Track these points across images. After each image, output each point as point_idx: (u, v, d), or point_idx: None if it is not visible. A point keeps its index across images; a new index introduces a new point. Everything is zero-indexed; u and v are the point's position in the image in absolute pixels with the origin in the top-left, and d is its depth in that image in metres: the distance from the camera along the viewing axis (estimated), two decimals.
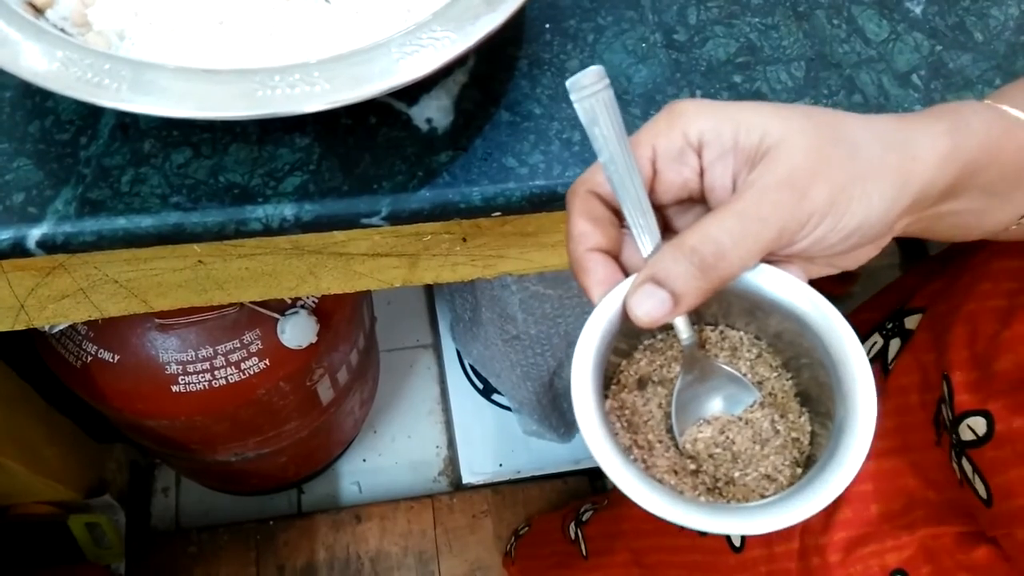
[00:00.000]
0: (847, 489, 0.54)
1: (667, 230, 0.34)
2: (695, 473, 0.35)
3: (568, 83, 0.31)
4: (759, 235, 0.30)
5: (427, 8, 0.39)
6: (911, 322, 0.56)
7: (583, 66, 0.46)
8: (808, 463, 0.35)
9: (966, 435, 0.45)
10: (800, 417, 0.36)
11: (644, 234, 0.32)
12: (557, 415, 1.15)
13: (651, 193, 0.33)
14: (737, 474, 0.34)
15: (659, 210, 0.33)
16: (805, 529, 0.54)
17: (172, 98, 0.33)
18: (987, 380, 0.45)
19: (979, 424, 0.44)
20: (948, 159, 0.32)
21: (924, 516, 0.48)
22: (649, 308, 0.31)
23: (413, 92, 0.43)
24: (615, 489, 0.85)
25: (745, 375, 0.36)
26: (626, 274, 0.33)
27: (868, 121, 0.33)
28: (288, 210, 0.40)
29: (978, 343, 0.47)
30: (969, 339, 0.48)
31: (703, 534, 0.61)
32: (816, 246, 0.31)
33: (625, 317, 0.32)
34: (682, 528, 0.65)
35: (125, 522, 1.12)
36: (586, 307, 0.93)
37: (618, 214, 0.34)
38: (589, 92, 0.31)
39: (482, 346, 1.09)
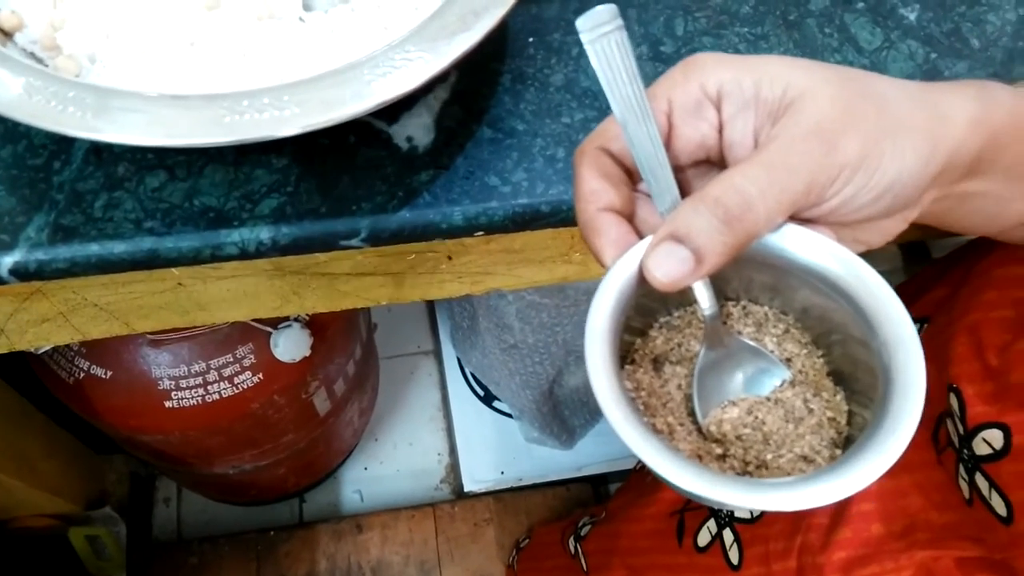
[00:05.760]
0: (849, 508, 0.53)
1: (683, 196, 0.31)
2: (722, 458, 0.32)
3: (578, 22, 0.28)
4: (787, 186, 0.28)
5: (404, 26, 0.38)
6: None
7: (567, 81, 0.45)
8: (847, 445, 0.32)
9: (981, 449, 0.43)
10: (835, 396, 0.33)
11: (662, 191, 0.30)
12: (558, 422, 1.14)
13: (667, 151, 0.30)
14: (770, 456, 0.31)
15: (675, 173, 0.31)
16: (803, 547, 0.53)
17: (138, 126, 0.32)
18: (1003, 392, 0.44)
19: (996, 437, 0.43)
20: (976, 124, 0.30)
21: (925, 538, 0.47)
22: (669, 268, 0.28)
23: (393, 110, 0.42)
24: (612, 503, 0.84)
25: (772, 352, 0.33)
26: (640, 237, 0.30)
27: (894, 80, 0.31)
28: (264, 233, 0.40)
29: (988, 354, 0.45)
30: (976, 350, 0.46)
31: (710, 543, 0.60)
32: (846, 207, 0.29)
33: (641, 283, 0.29)
34: (680, 545, 0.64)
35: (126, 534, 1.12)
36: (583, 316, 0.92)
37: (630, 174, 0.31)
38: (602, 32, 0.28)
39: (481, 354, 1.08)
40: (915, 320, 0.55)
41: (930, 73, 0.46)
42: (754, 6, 0.47)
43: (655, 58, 0.46)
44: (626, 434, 0.27)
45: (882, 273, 0.31)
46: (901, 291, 0.69)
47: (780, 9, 0.47)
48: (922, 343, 0.54)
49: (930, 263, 0.68)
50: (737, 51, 0.46)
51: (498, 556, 1.20)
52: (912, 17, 0.47)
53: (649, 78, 0.45)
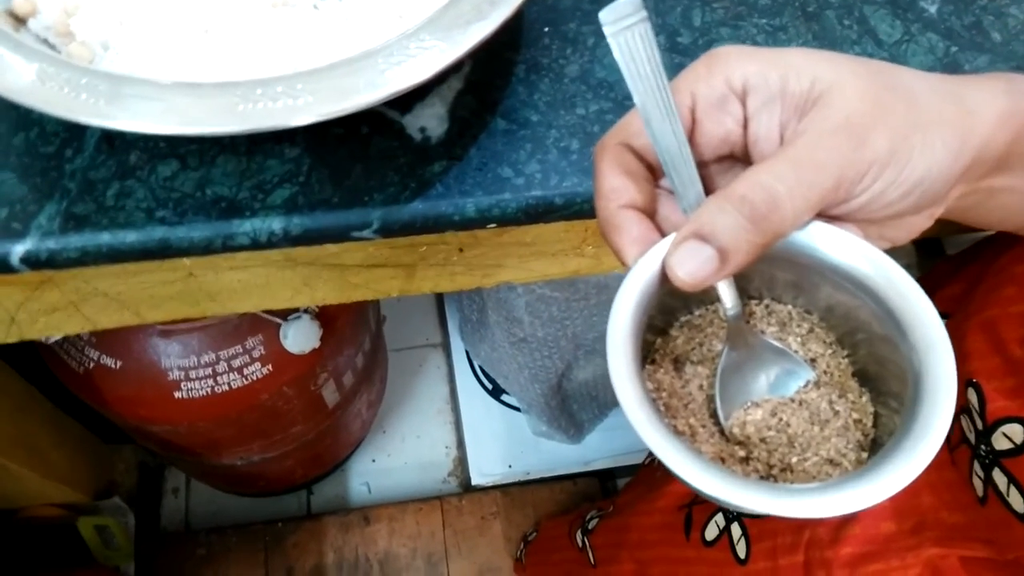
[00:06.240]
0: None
1: (706, 193, 0.30)
2: (745, 460, 0.31)
3: (601, 15, 0.28)
4: (815, 183, 0.27)
5: (419, 14, 0.37)
6: None
7: (583, 71, 0.44)
8: (874, 448, 0.31)
9: (1001, 444, 0.43)
10: (861, 397, 0.32)
11: (685, 188, 0.29)
12: (566, 416, 1.13)
13: (690, 146, 0.30)
14: (795, 459, 0.31)
15: (698, 169, 0.30)
16: (811, 542, 0.53)
17: (151, 114, 0.32)
18: None
19: (1016, 432, 0.42)
20: (1006, 118, 0.30)
21: (934, 537, 0.47)
22: (693, 267, 0.27)
23: (406, 100, 0.42)
24: (620, 497, 0.83)
25: (796, 352, 0.33)
26: (663, 235, 0.30)
27: (921, 73, 0.30)
28: (276, 224, 0.39)
29: (1010, 347, 0.45)
30: (995, 346, 0.46)
31: (718, 538, 0.60)
32: (874, 203, 0.29)
33: (664, 282, 0.29)
34: (688, 539, 0.64)
35: (134, 523, 1.12)
36: (593, 310, 0.91)
37: (652, 170, 0.31)
38: (626, 24, 0.28)
39: (489, 347, 1.08)
40: None
41: (950, 67, 0.45)
42: None
43: (672, 49, 0.45)
44: (649, 437, 0.26)
45: None
46: None
47: (799, 0, 0.47)
48: None
49: (944, 259, 0.67)
50: (755, 43, 0.45)
51: (505, 549, 1.20)
52: (932, 10, 0.47)
53: (666, 69, 0.45)
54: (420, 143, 0.42)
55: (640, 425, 0.27)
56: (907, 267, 0.29)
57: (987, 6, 0.47)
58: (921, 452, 0.26)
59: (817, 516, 0.26)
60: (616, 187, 0.30)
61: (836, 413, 0.32)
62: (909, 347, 0.29)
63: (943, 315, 0.54)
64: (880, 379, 0.32)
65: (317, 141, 0.41)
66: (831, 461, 0.31)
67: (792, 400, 0.32)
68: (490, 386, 1.23)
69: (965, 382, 0.46)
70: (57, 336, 0.67)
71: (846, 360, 0.33)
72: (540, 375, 1.02)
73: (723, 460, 0.31)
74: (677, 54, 0.45)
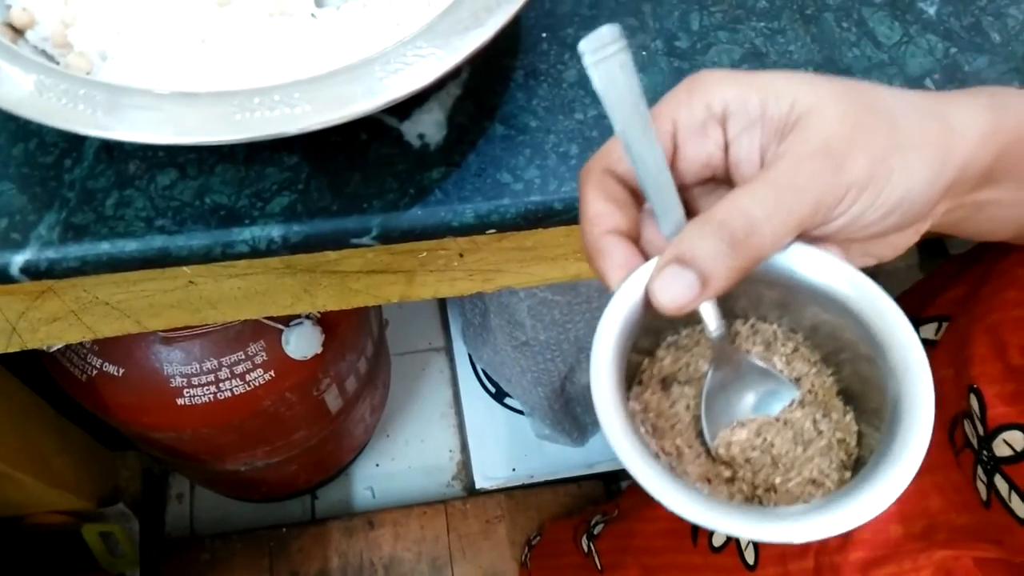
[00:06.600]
0: None
1: (690, 215, 0.31)
2: (730, 481, 0.32)
3: (581, 45, 0.28)
4: (794, 207, 0.27)
5: (416, 21, 0.37)
6: (926, 332, 0.55)
7: (581, 76, 0.44)
8: (856, 467, 0.31)
9: (1001, 451, 0.43)
10: (845, 416, 0.32)
11: (666, 213, 0.29)
12: (570, 420, 1.13)
13: (672, 171, 0.30)
14: (778, 479, 0.31)
15: (681, 192, 0.30)
16: (821, 548, 0.52)
17: (149, 124, 0.32)
18: None
19: (1017, 439, 0.42)
20: (989, 136, 0.30)
21: (944, 539, 0.46)
22: (675, 292, 0.28)
23: (405, 107, 0.42)
24: (625, 500, 0.83)
25: (781, 371, 0.33)
26: (647, 259, 0.30)
27: (902, 92, 0.30)
28: (276, 231, 0.39)
29: (1010, 353, 0.45)
30: (997, 350, 0.45)
31: (725, 544, 0.59)
32: (853, 225, 0.29)
33: (647, 306, 0.29)
34: (695, 545, 0.64)
35: (139, 530, 1.12)
36: (596, 312, 0.91)
37: (636, 195, 0.31)
38: (605, 54, 0.28)
39: (492, 351, 1.08)
40: (934, 318, 0.54)
41: (950, 68, 0.45)
42: (770, 0, 0.47)
43: (669, 53, 0.45)
44: (632, 464, 0.27)
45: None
46: (920, 288, 0.68)
47: (797, 3, 0.46)
48: (942, 342, 0.53)
49: (948, 260, 0.67)
50: (753, 46, 0.45)
51: (510, 553, 1.20)
52: (931, 11, 0.47)
53: (664, 75, 0.45)
54: (419, 150, 0.42)
55: (623, 453, 0.27)
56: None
57: (986, 7, 0.47)
58: (897, 476, 0.27)
59: (798, 540, 0.26)
60: (600, 212, 0.30)
61: (820, 433, 0.32)
62: (888, 368, 0.29)
63: (944, 317, 0.54)
64: (864, 397, 0.32)
65: (316, 149, 0.41)
66: (814, 481, 0.31)
67: (777, 420, 0.32)
68: (493, 389, 1.23)
69: (967, 387, 0.46)
70: (58, 345, 0.67)
71: (831, 379, 0.33)
72: (543, 379, 1.02)
73: (709, 480, 0.31)
74: (675, 58, 0.45)
